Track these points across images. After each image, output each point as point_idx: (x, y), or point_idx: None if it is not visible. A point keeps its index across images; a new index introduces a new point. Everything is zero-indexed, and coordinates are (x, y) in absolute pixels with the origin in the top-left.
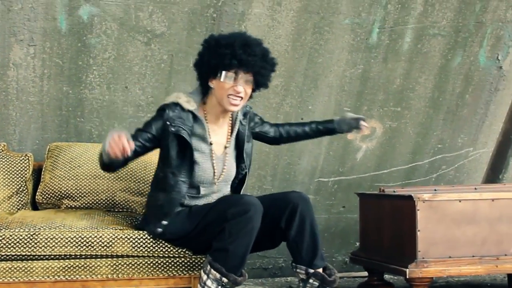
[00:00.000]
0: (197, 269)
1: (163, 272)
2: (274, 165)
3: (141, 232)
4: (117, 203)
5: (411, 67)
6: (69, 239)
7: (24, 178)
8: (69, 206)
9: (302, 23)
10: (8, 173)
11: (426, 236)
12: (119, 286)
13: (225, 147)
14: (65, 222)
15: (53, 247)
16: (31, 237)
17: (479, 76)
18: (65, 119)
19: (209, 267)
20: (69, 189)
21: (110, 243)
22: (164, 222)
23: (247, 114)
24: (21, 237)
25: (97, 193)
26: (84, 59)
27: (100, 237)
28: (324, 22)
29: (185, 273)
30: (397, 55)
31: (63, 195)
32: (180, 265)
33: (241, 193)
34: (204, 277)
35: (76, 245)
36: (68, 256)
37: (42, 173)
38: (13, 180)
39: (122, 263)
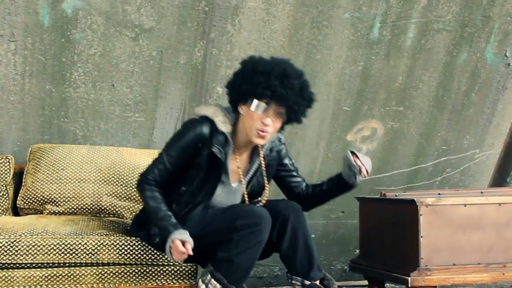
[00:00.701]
0: (187, 278)
1: (151, 281)
2: None
3: (128, 238)
4: (103, 208)
5: (414, 64)
6: (52, 246)
7: (4, 182)
8: (52, 211)
9: (299, 17)
10: None
11: (429, 243)
12: None
13: (240, 179)
14: (48, 228)
15: (35, 255)
16: (11, 245)
17: (486, 73)
18: (48, 119)
19: (209, 276)
20: (52, 193)
21: (96, 251)
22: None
23: (274, 149)
24: (1, 245)
25: (82, 198)
26: (68, 55)
27: (85, 244)
28: (322, 16)
29: (174, 282)
30: (399, 52)
31: (45, 200)
32: (170, 273)
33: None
34: (202, 286)
35: (60, 252)
36: (51, 265)
37: (24, 176)
38: None
39: (108, 272)
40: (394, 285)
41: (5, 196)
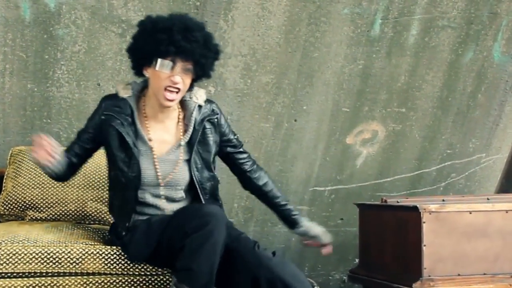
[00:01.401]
0: None
1: None
2: None
3: (114, 247)
4: (88, 214)
5: (418, 63)
6: (34, 254)
7: None
8: (34, 217)
9: (296, 13)
10: None
11: (432, 252)
12: None
13: (171, 148)
14: (30, 235)
15: (16, 264)
16: None
17: (493, 73)
18: (29, 120)
19: None
20: (34, 198)
21: (80, 260)
22: (127, 224)
23: (207, 118)
24: None
25: (66, 203)
26: (51, 52)
27: (69, 252)
28: (320, 12)
29: None
30: (402, 50)
31: (27, 206)
32: (157, 283)
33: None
34: None
35: (42, 261)
36: (33, 274)
37: (4, 180)
38: None
39: (94, 282)
40: None
41: None
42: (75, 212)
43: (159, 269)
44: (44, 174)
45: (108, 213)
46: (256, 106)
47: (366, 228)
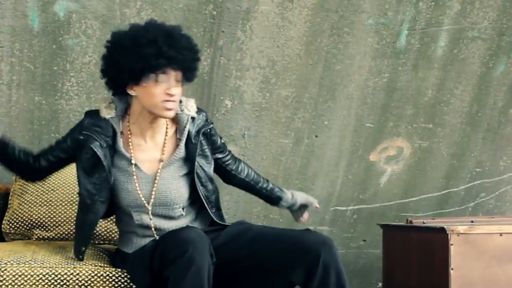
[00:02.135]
0: None
1: None
2: None
3: (124, 270)
4: (97, 234)
5: (446, 76)
6: (40, 276)
7: None
8: (41, 237)
9: (318, 23)
10: None
11: (461, 275)
12: None
13: (161, 165)
14: (36, 256)
15: (22, 286)
16: None
17: None
18: (37, 134)
19: None
20: (42, 217)
21: (89, 282)
22: (83, 248)
23: (202, 130)
24: None
25: (74, 222)
26: (60, 63)
27: (77, 274)
28: (343, 22)
29: None
30: (429, 62)
31: (34, 224)
32: None
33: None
34: None
35: (49, 283)
36: None
37: (10, 198)
38: None
39: None
40: None
41: None
42: None
43: None
44: (53, 191)
45: (118, 232)
46: (275, 121)
47: (390, 250)
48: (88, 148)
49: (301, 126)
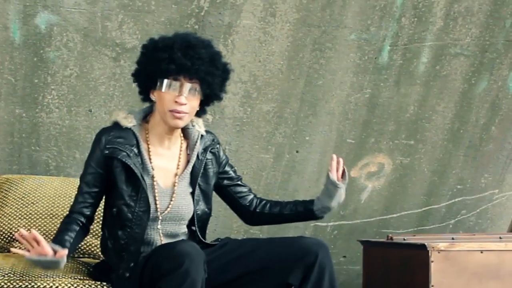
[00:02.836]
0: None
1: None
2: None
3: (104, 284)
4: (77, 247)
5: (428, 93)
6: None
7: None
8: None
9: (300, 38)
10: None
11: None
12: None
13: (176, 179)
14: (16, 269)
15: None
16: None
17: (507, 104)
18: (17, 147)
19: None
20: (21, 229)
21: None
22: (131, 264)
23: (209, 148)
24: None
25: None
26: (41, 76)
27: (57, 287)
28: (325, 37)
29: None
30: (411, 78)
31: (13, 237)
32: None
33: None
34: None
35: None
36: None
37: None
38: None
39: None
40: None
41: None
42: None
43: None
44: (33, 204)
45: (97, 246)
46: (256, 135)
47: (371, 267)
48: (116, 161)
49: (282, 141)
